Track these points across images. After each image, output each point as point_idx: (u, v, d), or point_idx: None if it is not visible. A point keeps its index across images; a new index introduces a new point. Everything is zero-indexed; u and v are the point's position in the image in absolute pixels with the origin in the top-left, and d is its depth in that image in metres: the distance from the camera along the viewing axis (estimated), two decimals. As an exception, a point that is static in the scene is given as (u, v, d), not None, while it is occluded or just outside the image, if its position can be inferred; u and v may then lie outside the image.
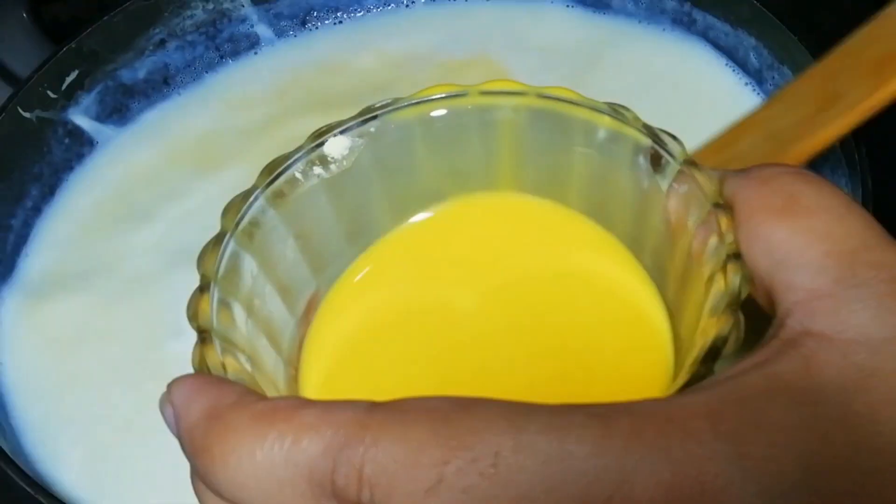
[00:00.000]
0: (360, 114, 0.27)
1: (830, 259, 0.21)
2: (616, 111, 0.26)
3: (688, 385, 0.21)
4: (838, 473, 0.18)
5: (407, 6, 0.49)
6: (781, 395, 0.19)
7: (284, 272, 0.27)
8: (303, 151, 0.27)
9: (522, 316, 0.27)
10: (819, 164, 0.41)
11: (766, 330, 0.22)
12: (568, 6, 0.48)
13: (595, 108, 0.26)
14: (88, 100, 0.45)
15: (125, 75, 0.46)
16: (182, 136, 0.45)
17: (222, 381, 0.22)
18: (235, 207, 0.26)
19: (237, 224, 0.25)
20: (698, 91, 0.45)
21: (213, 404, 0.21)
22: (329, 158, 0.27)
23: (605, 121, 0.26)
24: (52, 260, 0.42)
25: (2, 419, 0.37)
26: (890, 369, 0.19)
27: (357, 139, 0.27)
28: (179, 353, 0.37)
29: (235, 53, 0.48)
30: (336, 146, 0.27)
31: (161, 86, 0.47)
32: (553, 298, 0.27)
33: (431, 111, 0.27)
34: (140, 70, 0.47)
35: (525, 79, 0.28)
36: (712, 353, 0.21)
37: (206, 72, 0.48)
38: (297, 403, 0.20)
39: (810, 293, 0.21)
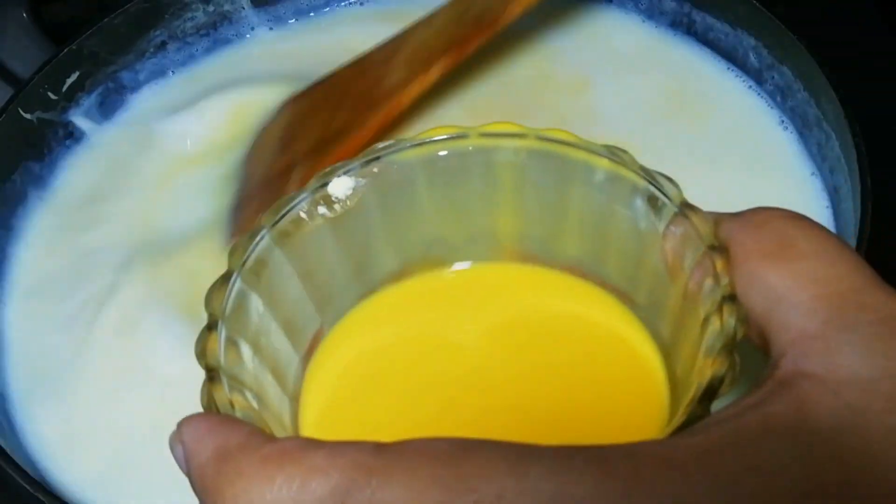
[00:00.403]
0: (364, 155, 0.28)
1: (821, 302, 0.22)
2: (614, 153, 0.27)
3: (685, 424, 0.21)
4: None
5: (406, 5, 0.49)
6: (776, 436, 0.20)
7: (290, 310, 0.28)
8: (307, 192, 0.28)
9: (521, 358, 0.28)
10: (819, 164, 0.41)
11: (758, 369, 0.22)
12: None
13: (593, 151, 0.27)
14: (89, 101, 0.45)
15: (126, 77, 0.46)
16: (182, 139, 0.45)
17: (231, 420, 0.23)
18: (242, 247, 0.26)
19: (244, 263, 0.26)
20: (698, 91, 0.45)
21: (222, 445, 0.21)
22: (333, 198, 0.28)
23: (603, 163, 0.27)
24: (51, 260, 0.42)
25: (2, 418, 0.37)
26: (880, 408, 0.20)
27: (360, 179, 0.28)
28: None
29: (235, 56, 0.48)
30: (340, 186, 0.28)
31: (161, 87, 0.47)
32: (550, 343, 0.28)
33: (433, 152, 0.28)
34: (140, 72, 0.47)
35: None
36: (708, 394, 0.22)
37: (207, 74, 0.48)
38: (305, 445, 0.20)
39: (802, 333, 0.22)
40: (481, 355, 0.28)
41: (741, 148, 0.42)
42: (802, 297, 0.22)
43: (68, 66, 0.45)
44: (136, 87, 0.47)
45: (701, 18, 0.46)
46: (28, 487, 0.32)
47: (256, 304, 0.26)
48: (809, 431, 0.20)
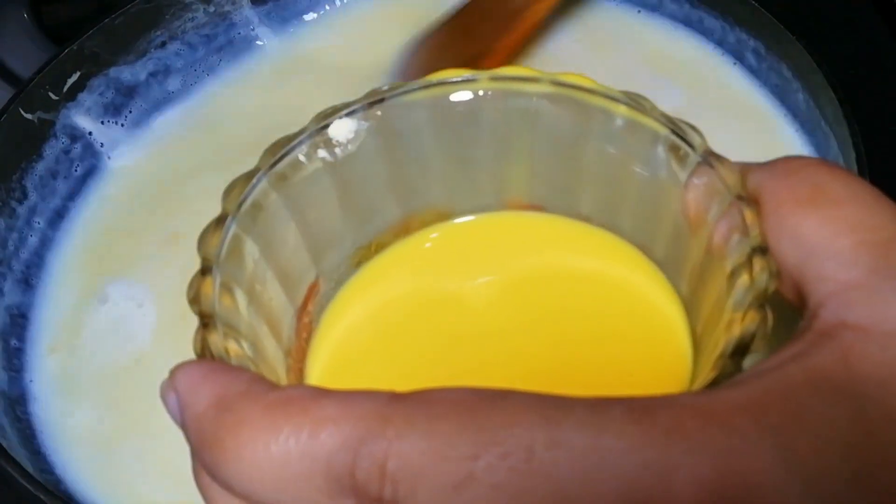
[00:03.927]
0: (367, 96, 0.26)
1: (863, 249, 0.21)
2: (633, 100, 0.25)
3: (716, 380, 0.20)
4: (886, 469, 0.18)
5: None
6: (823, 389, 0.19)
7: (285, 258, 0.26)
8: (307, 133, 0.26)
9: (534, 313, 0.26)
10: (818, 164, 0.41)
11: (786, 326, 0.21)
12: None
13: (611, 97, 0.25)
14: (90, 101, 0.45)
15: (126, 77, 0.46)
16: (183, 138, 0.45)
17: (229, 367, 0.21)
18: (238, 189, 0.25)
19: (239, 206, 0.24)
20: (697, 91, 0.45)
21: (221, 393, 0.19)
22: (334, 142, 0.26)
23: (622, 109, 0.25)
24: (52, 260, 0.42)
25: (6, 419, 0.37)
26: None
27: (363, 122, 0.26)
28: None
29: (236, 56, 0.48)
30: (341, 129, 0.26)
31: (162, 88, 0.47)
32: (565, 296, 0.27)
33: (441, 95, 0.26)
34: (141, 72, 0.47)
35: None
36: (740, 349, 0.21)
37: (207, 74, 0.48)
38: (313, 393, 0.19)
39: (844, 284, 0.20)
40: (495, 310, 0.27)
41: (740, 147, 0.42)
42: (842, 245, 0.21)
43: (69, 66, 0.44)
44: (137, 87, 0.47)
45: (700, 17, 0.46)
46: (29, 486, 0.32)
47: (252, 249, 0.25)
48: (857, 386, 0.19)
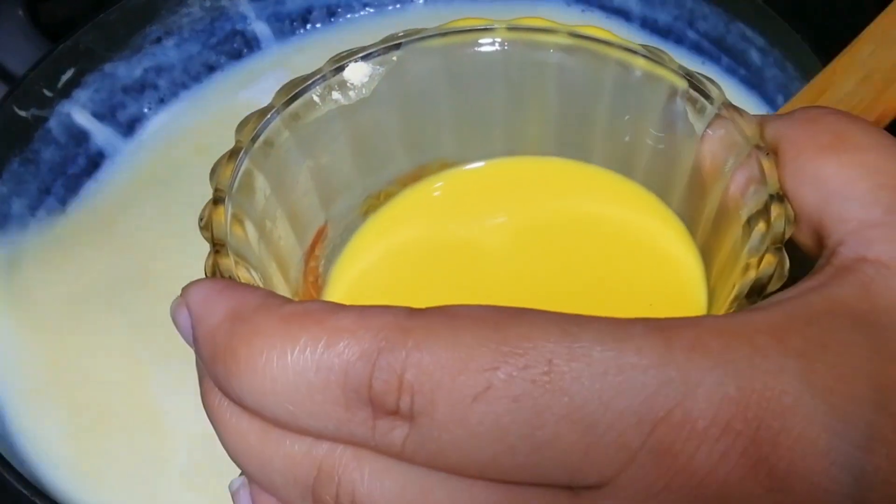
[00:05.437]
0: (383, 41, 0.26)
1: (883, 191, 0.21)
2: (652, 52, 0.25)
3: None
4: None
5: (404, 5, 0.49)
6: (845, 317, 0.19)
7: (295, 199, 0.26)
8: (321, 75, 0.26)
9: (547, 258, 0.26)
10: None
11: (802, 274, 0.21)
12: (568, 4, 0.48)
13: (630, 49, 0.26)
14: (85, 98, 0.45)
15: (122, 73, 0.46)
16: (179, 133, 0.45)
17: (243, 284, 0.20)
18: (252, 124, 0.25)
19: (253, 141, 0.24)
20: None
21: (236, 305, 0.19)
22: (348, 84, 0.26)
23: (640, 62, 0.25)
24: (45, 256, 0.42)
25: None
26: None
27: (378, 67, 0.26)
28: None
29: (233, 51, 0.48)
30: (356, 72, 0.26)
31: (158, 83, 0.47)
32: (579, 241, 0.27)
33: (457, 43, 0.26)
34: (136, 68, 0.46)
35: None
36: (757, 289, 0.21)
37: (203, 69, 0.47)
38: (331, 307, 0.18)
39: (863, 223, 0.21)
40: (508, 255, 0.27)
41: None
42: (861, 186, 0.21)
43: (64, 62, 0.44)
44: (132, 83, 0.46)
45: (700, 17, 0.46)
46: (24, 490, 0.32)
47: (263, 185, 0.25)
48: (879, 315, 0.19)
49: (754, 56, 0.44)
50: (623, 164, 0.27)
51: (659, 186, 0.27)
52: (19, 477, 0.32)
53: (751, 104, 0.44)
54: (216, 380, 0.19)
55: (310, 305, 0.19)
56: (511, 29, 0.26)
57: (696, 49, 0.46)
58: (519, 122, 0.28)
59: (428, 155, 0.28)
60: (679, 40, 0.46)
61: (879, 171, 0.21)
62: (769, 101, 0.44)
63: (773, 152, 0.23)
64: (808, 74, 0.41)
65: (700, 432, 0.17)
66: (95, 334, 0.39)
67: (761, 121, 0.24)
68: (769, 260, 0.21)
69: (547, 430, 0.17)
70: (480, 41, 0.26)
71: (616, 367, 0.17)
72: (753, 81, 0.44)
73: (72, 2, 0.56)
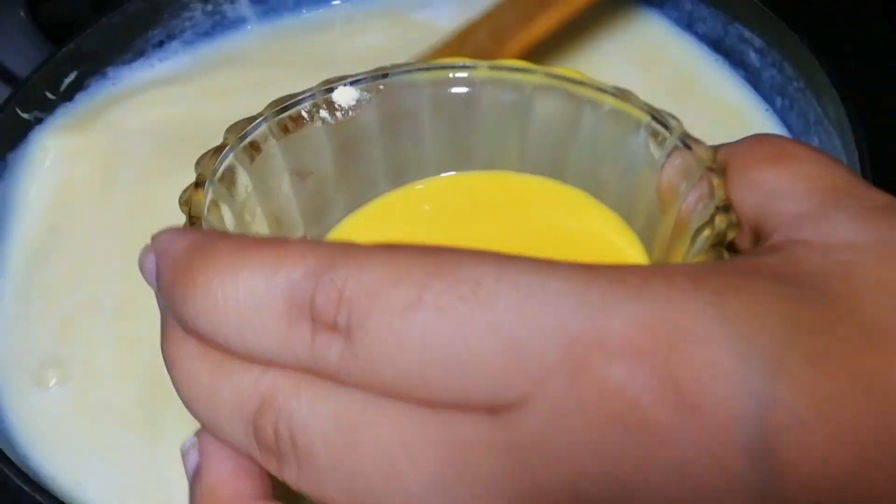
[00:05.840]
0: (373, 70, 0.28)
1: (816, 192, 0.23)
2: (620, 92, 0.27)
3: None
4: (822, 336, 0.19)
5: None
6: (767, 274, 0.20)
7: (277, 205, 0.27)
8: (311, 93, 0.28)
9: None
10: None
11: None
12: None
13: (601, 89, 0.27)
14: (87, 101, 0.45)
15: (124, 76, 0.46)
16: (181, 137, 0.45)
17: (208, 229, 0.22)
18: (239, 126, 0.26)
19: (239, 140, 0.26)
20: (696, 90, 0.45)
21: (197, 239, 0.20)
22: (336, 105, 0.28)
23: (609, 100, 0.27)
24: (48, 259, 0.42)
25: None
26: (871, 264, 0.20)
27: (365, 93, 0.28)
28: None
29: (234, 55, 0.48)
30: (344, 95, 0.28)
31: (160, 86, 0.47)
32: (543, 253, 0.28)
33: (441, 78, 0.28)
34: (139, 71, 0.46)
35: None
36: None
37: (206, 73, 0.47)
38: (284, 238, 0.20)
39: (795, 215, 0.22)
40: None
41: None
42: (797, 189, 0.23)
43: (66, 65, 0.44)
44: (134, 86, 0.46)
45: (700, 16, 0.46)
46: (25, 487, 0.32)
47: (245, 181, 0.26)
48: (798, 276, 0.20)
49: (752, 57, 0.44)
50: (592, 189, 0.29)
51: (624, 211, 0.28)
52: (20, 473, 0.32)
53: (749, 104, 0.44)
54: (173, 307, 0.20)
55: (265, 237, 0.20)
56: (493, 68, 0.28)
57: (696, 49, 0.46)
58: (497, 152, 0.29)
59: (409, 181, 0.30)
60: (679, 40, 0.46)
61: (814, 177, 0.23)
62: (768, 101, 0.44)
63: (723, 171, 0.24)
64: (806, 74, 0.41)
65: (612, 351, 0.18)
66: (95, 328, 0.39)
67: (716, 148, 0.25)
68: (709, 255, 0.23)
69: (470, 344, 0.18)
70: (464, 76, 0.28)
71: (540, 289, 0.18)
72: (752, 82, 0.44)
73: (73, 2, 0.57)
